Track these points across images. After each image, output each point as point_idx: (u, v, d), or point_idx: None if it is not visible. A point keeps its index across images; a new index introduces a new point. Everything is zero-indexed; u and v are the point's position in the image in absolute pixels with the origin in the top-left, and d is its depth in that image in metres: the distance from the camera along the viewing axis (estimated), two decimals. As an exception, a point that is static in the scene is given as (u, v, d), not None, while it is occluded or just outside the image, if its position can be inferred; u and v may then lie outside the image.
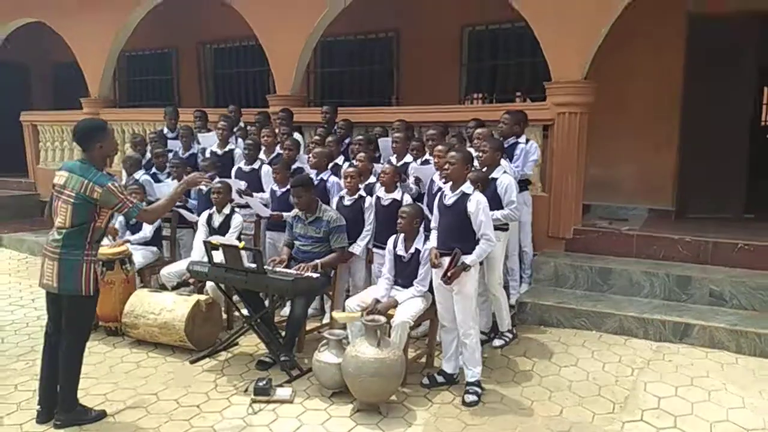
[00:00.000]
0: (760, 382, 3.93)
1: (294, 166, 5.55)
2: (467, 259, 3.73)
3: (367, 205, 4.90)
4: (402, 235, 4.20)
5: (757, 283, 4.72)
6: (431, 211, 4.55)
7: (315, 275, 4.31)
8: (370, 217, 4.90)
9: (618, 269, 5.19)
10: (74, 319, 3.45)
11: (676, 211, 6.67)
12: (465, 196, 3.80)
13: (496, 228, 3.99)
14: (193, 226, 5.88)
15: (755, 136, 7.56)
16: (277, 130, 6.14)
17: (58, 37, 9.11)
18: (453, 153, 3.89)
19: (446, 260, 3.77)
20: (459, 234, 3.78)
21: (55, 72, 12.04)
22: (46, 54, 11.56)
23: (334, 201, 5.02)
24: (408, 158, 5.33)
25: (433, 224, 4.03)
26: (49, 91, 12.25)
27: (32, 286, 6.40)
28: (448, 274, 3.70)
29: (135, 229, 5.51)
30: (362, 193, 4.95)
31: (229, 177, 5.66)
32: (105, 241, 5.39)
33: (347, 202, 4.92)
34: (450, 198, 3.86)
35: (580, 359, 4.35)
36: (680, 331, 4.51)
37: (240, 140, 6.44)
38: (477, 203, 3.76)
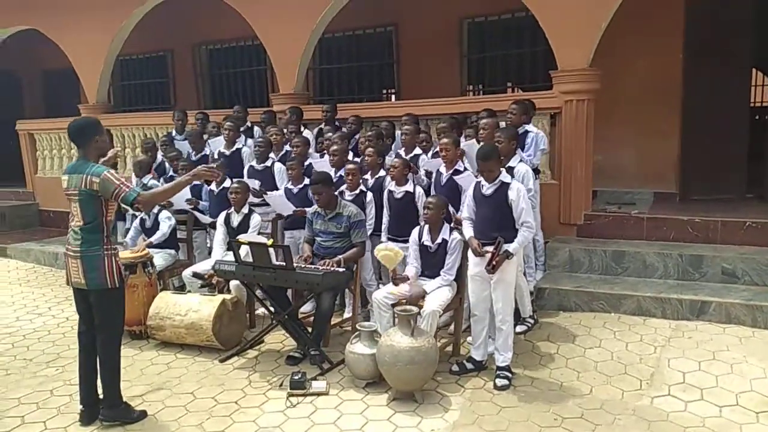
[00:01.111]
0: (779, 354, 4.07)
1: (306, 163, 5.59)
2: (510, 247, 3.80)
3: (368, 200, 4.98)
4: (427, 226, 4.27)
5: (767, 259, 4.86)
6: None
7: (341, 269, 4.37)
8: (370, 213, 4.98)
9: (631, 252, 5.31)
10: (105, 314, 3.50)
11: (680, 193, 6.81)
12: (505, 185, 3.87)
13: None
14: (206, 228, 5.92)
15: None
16: (285, 129, 6.18)
17: (49, 45, 9.05)
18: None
19: (488, 249, 3.83)
20: (499, 223, 3.85)
21: (46, 80, 11.95)
22: (36, 62, 11.47)
23: None
24: (417, 150, 5.41)
25: (465, 215, 4.09)
26: (40, 100, 12.15)
27: (45, 294, 6.41)
28: (493, 263, 3.77)
29: (150, 233, 5.51)
30: (363, 188, 5.03)
31: (239, 177, 5.69)
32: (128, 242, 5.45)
33: (348, 197, 4.98)
34: (489, 188, 3.93)
35: (602, 340, 4.46)
36: (697, 309, 4.64)
37: (248, 140, 6.48)
38: (518, 191, 3.84)
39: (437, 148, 5.21)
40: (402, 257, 4.18)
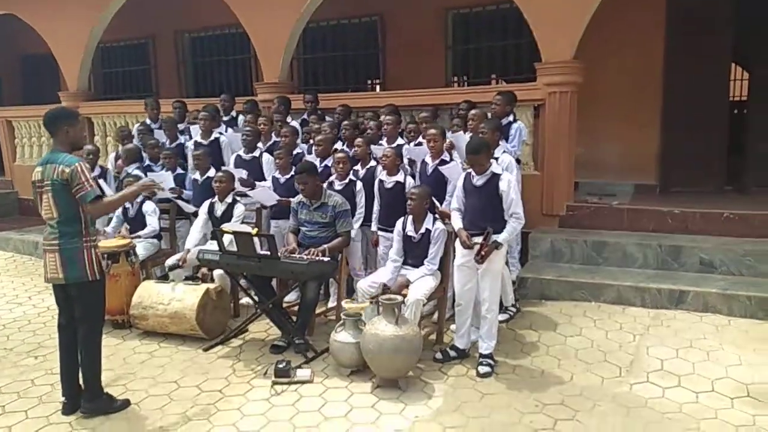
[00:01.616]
0: (754, 341, 4.17)
1: (294, 152, 5.57)
2: (499, 237, 3.84)
3: (358, 189, 4.99)
4: (411, 216, 4.30)
5: (744, 249, 4.97)
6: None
7: (326, 259, 4.38)
8: (360, 201, 4.99)
9: (611, 242, 5.39)
10: (86, 306, 3.46)
11: (660, 185, 6.92)
12: (496, 176, 3.90)
13: None
14: (189, 218, 5.88)
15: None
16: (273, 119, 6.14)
17: (26, 28, 8.87)
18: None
19: (477, 240, 3.87)
20: (489, 214, 3.88)
21: (25, 66, 11.71)
22: (15, 47, 11.24)
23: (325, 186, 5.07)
24: (399, 141, 5.42)
25: (455, 205, 4.11)
26: (17, 85, 11.90)
27: (25, 284, 6.33)
28: (482, 253, 3.81)
29: (134, 222, 5.46)
30: (352, 177, 5.03)
31: (219, 166, 5.66)
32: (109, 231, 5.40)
33: (338, 186, 4.99)
34: (479, 179, 3.95)
35: (583, 328, 4.54)
36: (675, 298, 4.74)
37: (228, 129, 6.43)
38: (508, 182, 3.87)
39: (420, 138, 5.25)
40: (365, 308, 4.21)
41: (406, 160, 5.13)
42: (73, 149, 3.48)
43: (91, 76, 9.28)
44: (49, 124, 3.43)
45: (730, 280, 4.87)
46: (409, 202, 4.22)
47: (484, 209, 3.91)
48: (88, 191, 3.29)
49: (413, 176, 5.01)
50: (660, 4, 6.68)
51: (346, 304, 4.28)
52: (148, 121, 7.03)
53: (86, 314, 3.47)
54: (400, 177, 4.82)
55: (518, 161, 5.44)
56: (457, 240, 4.07)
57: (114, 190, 6.10)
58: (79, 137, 3.53)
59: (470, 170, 4.04)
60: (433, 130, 4.74)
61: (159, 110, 7.08)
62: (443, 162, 4.75)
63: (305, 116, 6.49)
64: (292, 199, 5.00)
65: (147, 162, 6.19)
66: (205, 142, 6.07)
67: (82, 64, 8.51)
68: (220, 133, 6.21)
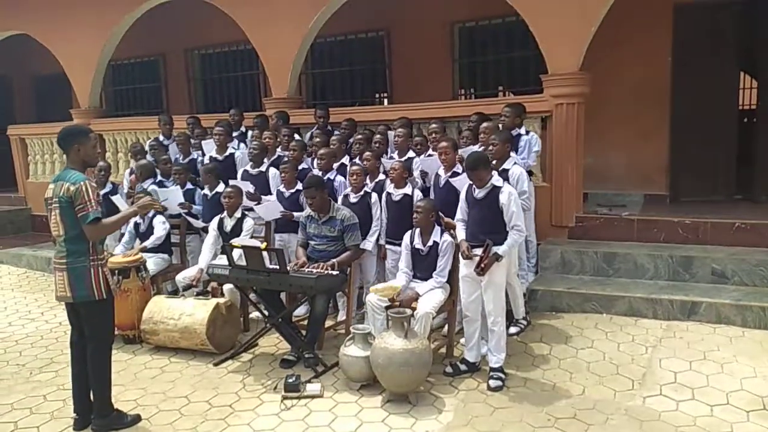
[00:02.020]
0: (768, 353, 4.12)
1: (299, 167, 5.61)
2: (499, 249, 3.84)
3: (373, 201, 4.99)
4: (418, 229, 4.30)
5: (756, 259, 4.92)
6: (437, 204, 4.67)
7: (335, 272, 4.38)
8: (377, 213, 4.97)
9: (622, 253, 5.35)
10: (94, 325, 3.48)
11: (670, 195, 6.88)
12: (496, 189, 3.91)
13: None
14: (199, 233, 5.92)
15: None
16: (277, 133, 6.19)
17: (40, 49, 9.04)
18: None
19: (477, 252, 3.87)
20: (490, 226, 3.90)
21: (37, 84, 11.90)
22: (27, 66, 11.43)
23: (339, 199, 5.10)
24: (411, 154, 5.45)
25: (459, 217, 4.12)
26: (30, 104, 12.08)
27: (37, 300, 6.39)
28: (482, 265, 3.81)
29: (144, 238, 5.51)
30: (367, 189, 5.04)
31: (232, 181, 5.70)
32: (119, 249, 5.45)
33: (353, 199, 5.00)
34: (480, 192, 3.97)
35: (594, 341, 4.50)
36: (688, 309, 4.68)
37: (241, 144, 6.48)
38: (509, 195, 3.88)
39: (430, 151, 5.27)
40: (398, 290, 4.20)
41: (417, 172, 5.14)
42: (85, 167, 3.49)
43: (102, 93, 9.42)
44: (62, 141, 3.46)
45: (743, 290, 4.81)
46: (415, 215, 4.23)
47: (485, 221, 3.92)
48: (89, 212, 3.27)
49: (426, 189, 5.01)
50: (668, 14, 6.68)
51: (373, 288, 4.28)
52: (161, 137, 7.11)
53: (94, 333, 3.48)
54: (407, 190, 4.83)
55: (530, 173, 5.45)
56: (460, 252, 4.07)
57: (128, 205, 6.16)
58: (91, 155, 3.51)
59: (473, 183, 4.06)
60: (444, 143, 4.75)
61: (172, 126, 7.17)
62: (455, 174, 4.76)
63: (314, 131, 6.53)
64: (295, 213, 5.02)
65: (159, 178, 6.25)
66: (220, 158, 6.13)
67: (93, 82, 8.62)
68: (234, 149, 6.27)
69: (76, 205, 3.28)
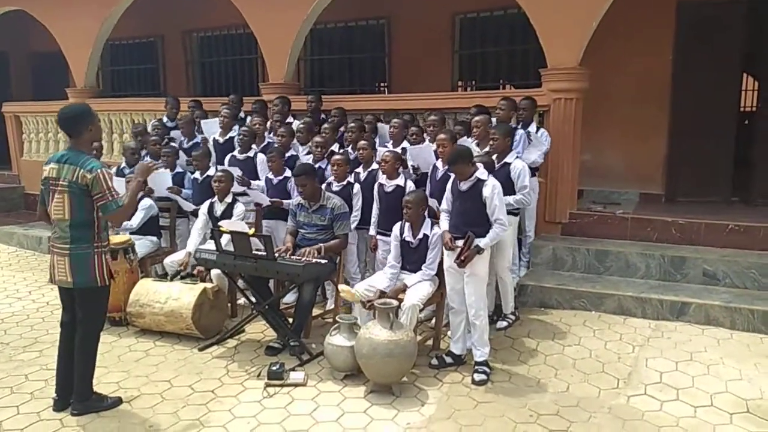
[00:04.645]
0: (755, 356, 4.09)
1: (287, 154, 5.55)
2: (480, 242, 3.82)
3: (355, 191, 4.96)
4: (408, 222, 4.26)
5: (748, 262, 4.89)
6: (433, 196, 4.65)
7: (323, 261, 4.35)
8: (357, 204, 4.97)
9: (614, 251, 5.33)
10: (89, 310, 3.44)
11: (666, 195, 6.84)
12: (480, 182, 3.88)
13: (507, 213, 4.06)
14: (188, 216, 5.87)
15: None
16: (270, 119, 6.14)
17: (37, 26, 8.94)
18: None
19: (459, 243, 3.85)
20: (473, 218, 3.87)
21: (34, 62, 11.79)
22: (24, 43, 11.32)
23: (323, 187, 5.03)
24: (405, 144, 5.39)
25: (444, 207, 4.10)
26: (27, 82, 11.99)
27: (26, 279, 6.35)
28: (462, 257, 3.79)
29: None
30: (350, 179, 5.01)
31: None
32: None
33: (335, 188, 4.97)
34: (464, 183, 3.93)
35: (582, 338, 4.48)
36: (677, 310, 4.66)
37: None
38: (492, 188, 3.84)
39: (427, 141, 5.21)
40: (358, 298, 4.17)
41: (410, 162, 5.09)
42: (92, 146, 3.46)
43: (99, 73, 9.34)
44: (72, 124, 3.32)
45: (734, 292, 4.79)
46: (405, 210, 4.18)
47: (468, 214, 3.90)
48: (109, 201, 3.23)
49: (416, 181, 4.97)
50: (670, 12, 6.61)
51: (342, 287, 4.25)
52: (165, 119, 7.04)
53: (88, 317, 3.45)
54: (400, 181, 4.78)
55: (537, 169, 5.38)
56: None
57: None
58: (99, 135, 3.50)
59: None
60: (442, 135, 4.68)
61: (178, 109, 7.08)
62: None
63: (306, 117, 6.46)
64: (284, 201, 4.98)
65: (147, 159, 6.18)
66: (221, 141, 6.09)
67: (90, 61, 8.54)
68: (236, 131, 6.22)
69: (94, 193, 3.22)
